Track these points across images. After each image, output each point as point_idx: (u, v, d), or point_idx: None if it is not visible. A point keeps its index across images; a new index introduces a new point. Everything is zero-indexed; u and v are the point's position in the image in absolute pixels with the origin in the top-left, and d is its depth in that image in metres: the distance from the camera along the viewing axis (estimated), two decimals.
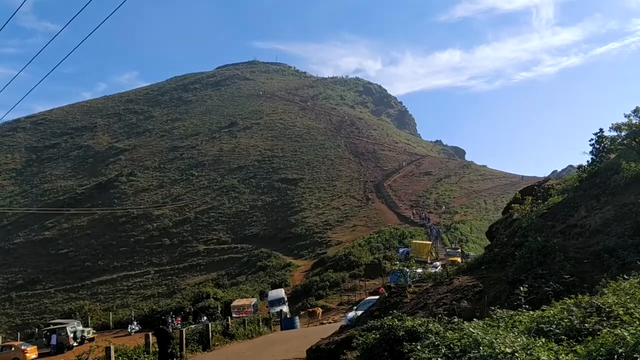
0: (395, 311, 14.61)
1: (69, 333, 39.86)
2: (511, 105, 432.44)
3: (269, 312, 37.86)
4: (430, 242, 55.21)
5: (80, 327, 42.66)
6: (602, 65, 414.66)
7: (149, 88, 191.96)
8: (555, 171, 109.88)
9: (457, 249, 54.78)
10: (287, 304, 42.33)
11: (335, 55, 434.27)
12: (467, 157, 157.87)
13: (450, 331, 9.35)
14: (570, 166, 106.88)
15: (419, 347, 9.11)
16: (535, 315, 8.47)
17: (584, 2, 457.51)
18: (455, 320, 9.65)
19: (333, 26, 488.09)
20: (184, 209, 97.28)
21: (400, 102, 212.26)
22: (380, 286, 42.17)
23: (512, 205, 19.19)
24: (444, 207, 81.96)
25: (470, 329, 8.05)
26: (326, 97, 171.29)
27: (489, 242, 22.09)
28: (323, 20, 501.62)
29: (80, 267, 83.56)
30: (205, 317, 40.20)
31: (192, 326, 21.03)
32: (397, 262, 49.24)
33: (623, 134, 16.17)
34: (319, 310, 36.58)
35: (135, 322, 45.61)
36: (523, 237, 15.33)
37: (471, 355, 7.08)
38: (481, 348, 6.99)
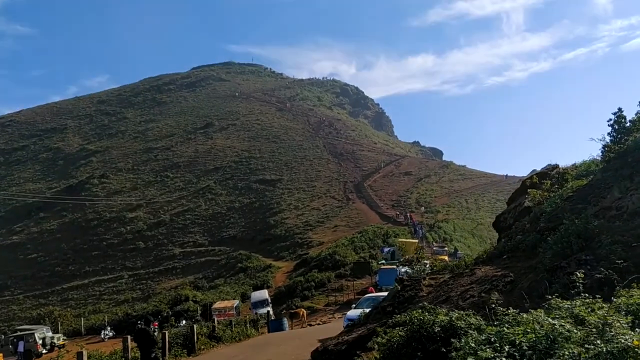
0: (411, 306, 12.93)
1: (37, 339, 37.20)
2: (484, 109, 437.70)
3: (255, 314, 35.79)
4: (416, 241, 53.86)
5: (50, 334, 39.95)
6: (571, 70, 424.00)
7: (121, 89, 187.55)
8: (534, 170, 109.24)
9: (444, 247, 53.58)
10: (271, 305, 40.40)
11: (310, 59, 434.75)
12: (445, 158, 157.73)
13: (507, 325, 7.62)
14: (549, 164, 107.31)
15: (471, 344, 7.38)
16: (620, 302, 6.86)
17: (552, 9, 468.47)
18: (511, 311, 7.98)
19: (308, 30, 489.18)
20: (159, 211, 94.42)
21: (377, 104, 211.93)
22: (369, 285, 40.61)
23: (529, 190, 17.74)
24: (423, 208, 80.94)
25: (549, 320, 6.39)
26: (303, 99, 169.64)
27: (497, 234, 20.70)
28: (298, 24, 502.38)
29: (50, 272, 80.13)
30: (185, 321, 37.99)
31: (175, 329, 18.91)
32: (383, 261, 47.79)
33: None
34: (303, 312, 34.37)
35: (109, 328, 43.08)
36: (550, 222, 13.82)
37: (566, 353, 5.38)
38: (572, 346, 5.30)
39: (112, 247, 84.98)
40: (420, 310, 9.48)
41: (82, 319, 51.12)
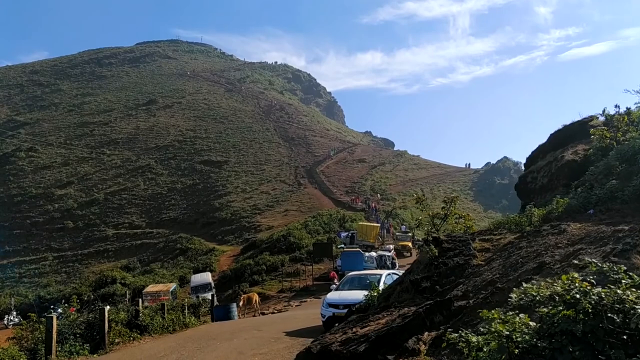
0: (464, 280, 7.85)
1: None
2: (432, 106, 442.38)
3: (197, 298, 30.00)
4: (378, 225, 49.30)
5: None
6: (511, 77, 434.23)
7: (57, 60, 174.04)
8: (489, 163, 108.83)
9: (407, 232, 49.31)
10: (214, 290, 34.71)
11: (259, 49, 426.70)
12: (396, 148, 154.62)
13: None
14: (505, 157, 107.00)
15: None
16: None
17: (496, 15, 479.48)
18: None
19: (257, 19, 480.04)
20: (92, 189, 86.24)
21: (330, 93, 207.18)
22: (331, 270, 35.66)
23: (592, 131, 13.13)
24: (379, 195, 77.07)
25: None
26: (254, 81, 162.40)
27: (521, 196, 16.07)
28: (248, 13, 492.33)
29: None
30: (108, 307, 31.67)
31: (77, 315, 12.84)
32: (342, 245, 42.96)
33: None
34: (256, 297, 28.74)
35: (15, 313, 36.23)
36: None
37: None
38: None
39: (36, 226, 77.07)
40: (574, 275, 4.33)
41: None
